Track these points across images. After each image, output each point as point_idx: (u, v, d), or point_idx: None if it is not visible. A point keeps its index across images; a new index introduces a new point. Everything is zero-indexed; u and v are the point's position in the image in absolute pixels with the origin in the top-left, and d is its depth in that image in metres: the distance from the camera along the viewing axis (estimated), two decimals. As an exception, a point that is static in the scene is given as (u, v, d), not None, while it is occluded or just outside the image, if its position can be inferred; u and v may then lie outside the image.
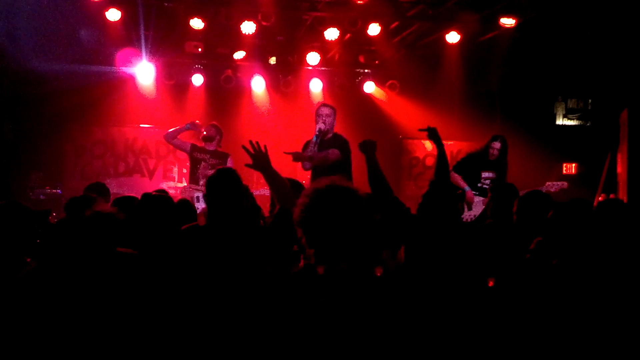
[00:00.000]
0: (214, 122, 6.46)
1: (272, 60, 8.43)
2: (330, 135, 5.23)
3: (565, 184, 6.30)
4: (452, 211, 3.40)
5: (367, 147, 3.47)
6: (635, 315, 2.66)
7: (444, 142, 9.83)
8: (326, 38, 7.50)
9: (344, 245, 1.80)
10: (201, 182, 5.94)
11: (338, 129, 5.40)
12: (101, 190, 4.53)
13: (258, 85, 8.67)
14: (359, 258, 1.83)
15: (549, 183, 6.28)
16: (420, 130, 3.90)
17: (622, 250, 3.02)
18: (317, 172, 5.19)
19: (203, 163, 6.07)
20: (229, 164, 6.05)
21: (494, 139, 5.88)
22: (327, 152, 5.07)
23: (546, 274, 2.70)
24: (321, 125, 5.15)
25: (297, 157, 5.24)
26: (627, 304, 2.69)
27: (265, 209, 3.91)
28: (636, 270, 2.87)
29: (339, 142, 5.20)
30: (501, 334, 2.38)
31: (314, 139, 5.13)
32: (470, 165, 5.99)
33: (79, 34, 7.53)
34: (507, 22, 7.04)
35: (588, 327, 2.58)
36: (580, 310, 2.61)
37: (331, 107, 5.32)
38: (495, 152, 5.82)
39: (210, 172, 5.93)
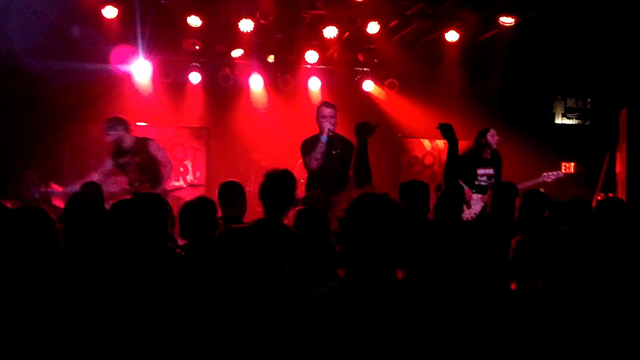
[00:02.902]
0: (110, 118, 5.84)
1: (271, 59, 8.40)
2: (333, 134, 5.24)
3: (561, 172, 6.33)
4: (458, 213, 3.42)
5: (363, 130, 3.50)
6: (636, 314, 2.64)
7: (443, 141, 9.78)
8: (325, 36, 7.46)
9: (382, 254, 1.82)
10: (135, 184, 5.64)
11: (336, 128, 5.38)
12: (95, 190, 4.46)
13: (256, 83, 8.63)
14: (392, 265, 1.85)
15: (545, 174, 6.28)
16: (437, 128, 3.89)
17: (622, 248, 3.00)
18: (320, 173, 5.15)
19: (129, 167, 5.69)
20: (152, 149, 5.72)
21: (487, 130, 5.86)
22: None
23: (544, 273, 2.68)
24: (330, 127, 5.14)
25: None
26: (627, 302, 2.66)
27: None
28: (636, 268, 2.85)
29: (346, 144, 5.22)
30: (505, 334, 2.35)
31: (323, 139, 5.10)
32: (465, 163, 5.96)
33: (73, 32, 7.47)
34: (507, 21, 7.02)
35: (589, 326, 2.55)
36: (580, 309, 2.58)
37: (334, 106, 5.30)
38: (496, 138, 5.81)
39: (137, 175, 5.73)
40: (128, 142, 5.69)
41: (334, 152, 5.16)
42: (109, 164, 5.83)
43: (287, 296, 2.56)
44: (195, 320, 2.50)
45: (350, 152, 5.21)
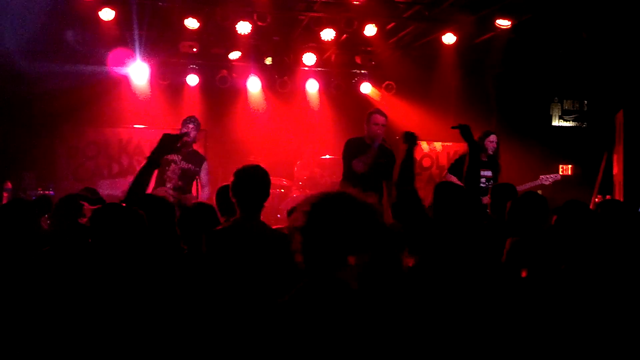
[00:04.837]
0: (194, 116, 5.87)
1: (268, 61, 8.39)
2: (384, 141, 5.38)
3: (559, 175, 6.34)
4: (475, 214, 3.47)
5: (412, 139, 3.66)
6: (637, 315, 2.64)
7: (441, 143, 9.77)
8: (322, 38, 7.46)
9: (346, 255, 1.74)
10: (168, 185, 5.47)
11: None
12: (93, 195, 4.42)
13: (254, 85, 8.63)
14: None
15: (543, 176, 6.29)
16: (453, 127, 3.98)
17: (623, 250, 3.00)
18: (361, 177, 5.15)
19: (173, 165, 5.52)
20: (204, 169, 5.69)
21: (489, 133, 5.85)
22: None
23: (546, 277, 2.68)
24: (383, 135, 5.28)
25: None
26: (629, 304, 2.67)
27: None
28: (637, 269, 2.86)
29: (391, 155, 5.37)
30: (507, 336, 2.36)
31: (376, 145, 5.22)
32: (464, 165, 5.97)
33: (70, 34, 7.46)
34: (503, 23, 7.03)
35: (591, 327, 2.56)
36: (583, 311, 2.59)
37: (385, 115, 5.40)
38: (494, 144, 5.79)
39: (176, 179, 5.46)
40: (189, 147, 5.66)
41: (380, 160, 5.25)
42: None
43: (269, 296, 2.52)
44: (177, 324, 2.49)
45: (392, 163, 5.33)
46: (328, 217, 1.73)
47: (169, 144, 3.22)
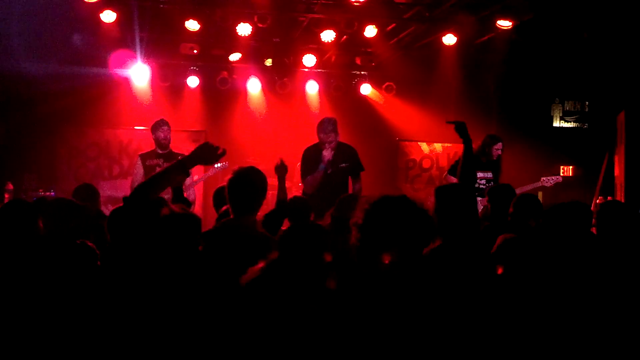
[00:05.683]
0: (163, 119, 6.13)
1: (268, 62, 8.40)
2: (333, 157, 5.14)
3: (560, 177, 6.37)
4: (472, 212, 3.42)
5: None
6: (636, 315, 2.64)
7: (441, 144, 9.76)
8: (322, 40, 7.46)
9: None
10: None
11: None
12: (89, 192, 4.44)
13: (254, 87, 8.64)
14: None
15: (544, 178, 6.33)
16: (448, 122, 3.92)
17: (624, 251, 3.00)
18: (321, 186, 5.08)
19: (158, 169, 5.68)
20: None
21: (497, 140, 5.88)
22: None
23: (548, 274, 2.67)
24: (329, 157, 5.06)
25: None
26: (628, 304, 2.66)
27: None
28: (637, 270, 2.85)
29: (352, 155, 5.24)
30: (501, 335, 2.35)
31: (321, 168, 5.03)
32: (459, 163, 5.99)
33: (72, 37, 7.48)
34: (504, 24, 7.01)
35: (590, 327, 2.55)
36: (582, 310, 2.58)
37: (333, 125, 5.12)
38: (499, 152, 5.86)
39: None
40: (167, 149, 5.87)
41: (341, 165, 5.16)
42: (140, 166, 5.99)
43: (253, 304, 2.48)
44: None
45: (355, 160, 5.25)
46: (385, 217, 1.91)
47: (207, 154, 2.80)
